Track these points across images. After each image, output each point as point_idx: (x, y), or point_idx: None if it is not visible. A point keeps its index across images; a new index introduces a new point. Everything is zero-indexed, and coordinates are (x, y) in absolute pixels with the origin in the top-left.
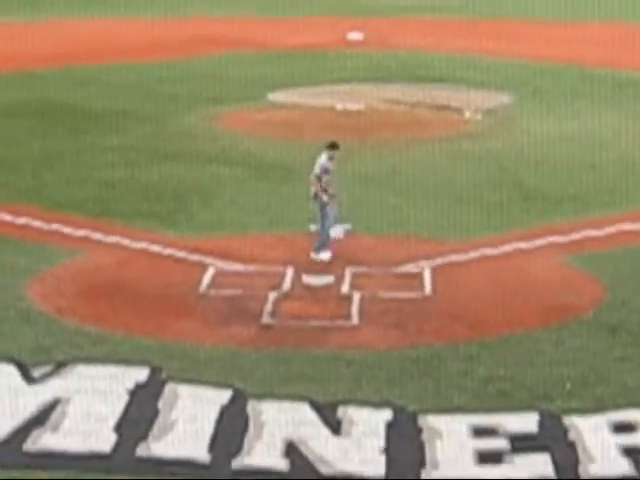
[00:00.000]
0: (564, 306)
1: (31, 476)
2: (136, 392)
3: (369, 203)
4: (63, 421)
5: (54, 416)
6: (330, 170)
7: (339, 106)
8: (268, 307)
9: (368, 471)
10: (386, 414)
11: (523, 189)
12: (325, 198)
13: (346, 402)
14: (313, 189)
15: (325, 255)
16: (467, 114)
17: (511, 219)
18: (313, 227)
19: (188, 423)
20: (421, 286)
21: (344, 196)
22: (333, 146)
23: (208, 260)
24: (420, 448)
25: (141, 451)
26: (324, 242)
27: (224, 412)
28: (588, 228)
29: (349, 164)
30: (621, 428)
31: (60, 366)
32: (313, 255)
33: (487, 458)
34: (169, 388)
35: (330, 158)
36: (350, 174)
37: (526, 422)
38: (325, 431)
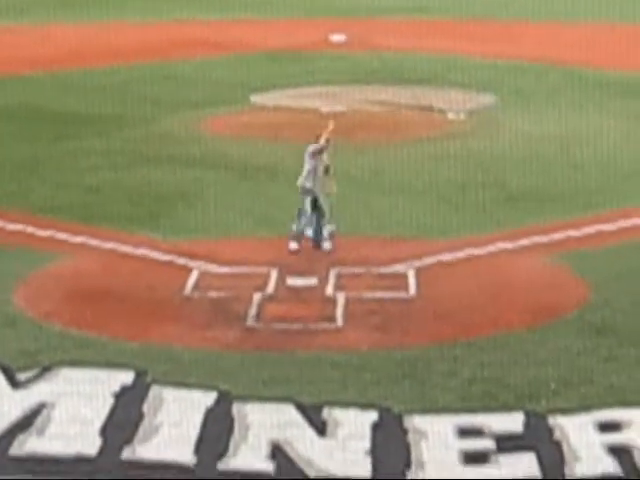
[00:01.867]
0: (548, 306)
1: None
2: (121, 395)
3: (353, 204)
4: (49, 425)
5: (39, 420)
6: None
7: (323, 108)
8: (253, 309)
9: (354, 472)
10: (371, 415)
11: (506, 189)
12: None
13: (331, 403)
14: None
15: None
16: (450, 115)
17: (495, 219)
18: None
19: (173, 426)
20: (406, 287)
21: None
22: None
23: (192, 263)
24: (406, 449)
25: (127, 454)
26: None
27: (209, 414)
28: (571, 228)
29: (333, 165)
30: (606, 427)
31: (45, 370)
32: (327, 245)
33: (473, 458)
34: (154, 391)
35: (315, 153)
36: (334, 174)
37: (511, 422)
38: (311, 432)
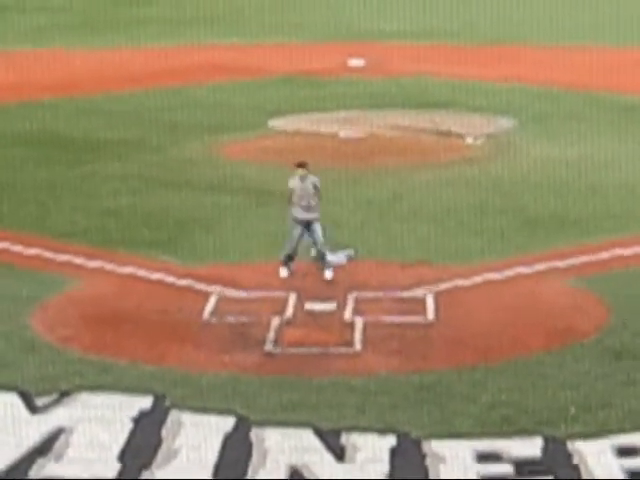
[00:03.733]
0: (567, 330)
1: None
2: (140, 420)
3: (371, 228)
4: (67, 450)
5: (58, 445)
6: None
7: (341, 133)
8: (271, 334)
9: None
10: (390, 440)
11: (525, 214)
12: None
13: (350, 428)
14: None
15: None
16: (469, 139)
17: (513, 244)
18: (314, 252)
19: (192, 451)
20: (424, 311)
21: (347, 221)
22: (303, 165)
23: (211, 287)
24: (424, 474)
25: (145, 479)
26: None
27: (227, 439)
28: (590, 252)
29: (352, 190)
30: (625, 452)
31: (64, 395)
32: (328, 274)
33: None
34: (173, 416)
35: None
36: (353, 200)
37: (530, 447)
38: (329, 457)
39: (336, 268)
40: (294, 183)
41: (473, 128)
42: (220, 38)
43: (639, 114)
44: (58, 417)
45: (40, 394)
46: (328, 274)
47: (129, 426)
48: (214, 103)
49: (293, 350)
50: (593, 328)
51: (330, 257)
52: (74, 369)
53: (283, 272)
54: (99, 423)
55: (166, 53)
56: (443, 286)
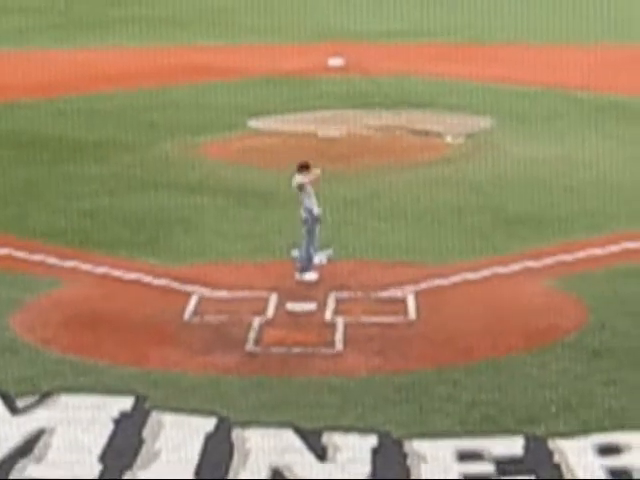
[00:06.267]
0: (547, 329)
1: None
2: (120, 421)
3: (351, 228)
4: (48, 451)
5: (39, 446)
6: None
7: (320, 132)
8: (252, 334)
9: None
10: (371, 440)
11: (504, 213)
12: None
13: (331, 428)
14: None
15: (311, 275)
16: (448, 139)
17: (492, 243)
18: (295, 253)
19: (173, 452)
20: (405, 311)
21: (326, 221)
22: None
23: (191, 288)
24: (406, 474)
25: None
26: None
27: (209, 440)
28: (569, 251)
29: (331, 189)
30: (606, 450)
31: (44, 396)
32: (298, 276)
33: None
34: (153, 417)
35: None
36: (332, 199)
37: (511, 446)
38: (310, 457)
39: (317, 268)
40: (302, 179)
41: (452, 127)
42: (200, 39)
43: (618, 113)
44: (39, 418)
45: (21, 395)
46: (313, 276)
47: (110, 427)
48: (194, 103)
49: (274, 350)
50: (573, 327)
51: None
52: (54, 370)
53: (312, 275)
54: (80, 424)
55: (146, 54)
56: (423, 286)
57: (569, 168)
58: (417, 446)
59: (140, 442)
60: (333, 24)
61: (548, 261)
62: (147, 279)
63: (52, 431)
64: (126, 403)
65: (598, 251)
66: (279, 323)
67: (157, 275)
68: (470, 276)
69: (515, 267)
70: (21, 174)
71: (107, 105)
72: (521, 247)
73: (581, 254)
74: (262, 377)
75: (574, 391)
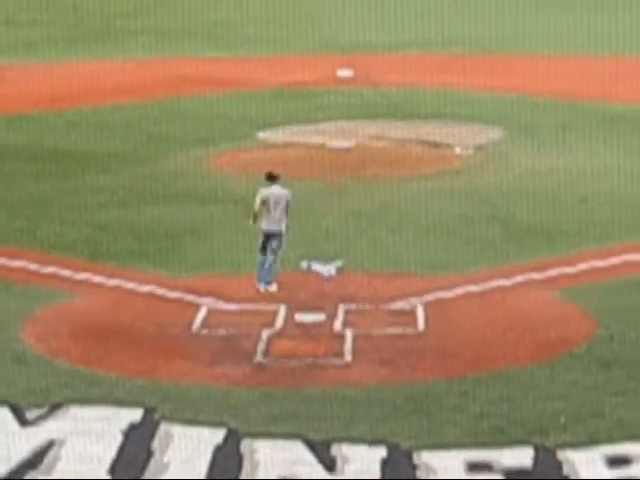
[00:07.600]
0: (557, 340)
1: None
2: (130, 433)
3: (361, 240)
4: (57, 463)
5: (48, 458)
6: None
7: (330, 144)
8: (261, 346)
9: None
10: (380, 451)
11: (514, 224)
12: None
13: (340, 440)
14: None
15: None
16: (457, 150)
17: (503, 254)
18: (304, 264)
19: (182, 463)
20: (414, 322)
21: (336, 233)
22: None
23: (201, 299)
24: None
25: None
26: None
27: (218, 452)
28: (579, 262)
29: (341, 201)
30: (615, 462)
31: (54, 408)
32: (262, 287)
33: None
34: (163, 428)
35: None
36: (342, 211)
37: (521, 457)
38: (319, 469)
39: (326, 280)
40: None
41: (462, 139)
42: (209, 51)
43: (628, 124)
44: (48, 430)
45: (30, 407)
46: (273, 287)
47: (119, 439)
48: (203, 115)
49: (283, 362)
50: (583, 338)
51: (319, 268)
52: (64, 382)
53: (273, 287)
54: (89, 436)
55: (155, 66)
56: (433, 297)
57: (579, 179)
58: (426, 457)
59: (149, 454)
60: (342, 36)
61: (558, 272)
62: (157, 291)
63: (62, 443)
64: (135, 415)
65: (606, 262)
66: (288, 334)
67: (167, 287)
68: (479, 287)
69: (523, 278)
70: (31, 187)
71: (117, 117)
72: (531, 258)
73: (589, 265)
74: (271, 388)
75: (583, 402)
